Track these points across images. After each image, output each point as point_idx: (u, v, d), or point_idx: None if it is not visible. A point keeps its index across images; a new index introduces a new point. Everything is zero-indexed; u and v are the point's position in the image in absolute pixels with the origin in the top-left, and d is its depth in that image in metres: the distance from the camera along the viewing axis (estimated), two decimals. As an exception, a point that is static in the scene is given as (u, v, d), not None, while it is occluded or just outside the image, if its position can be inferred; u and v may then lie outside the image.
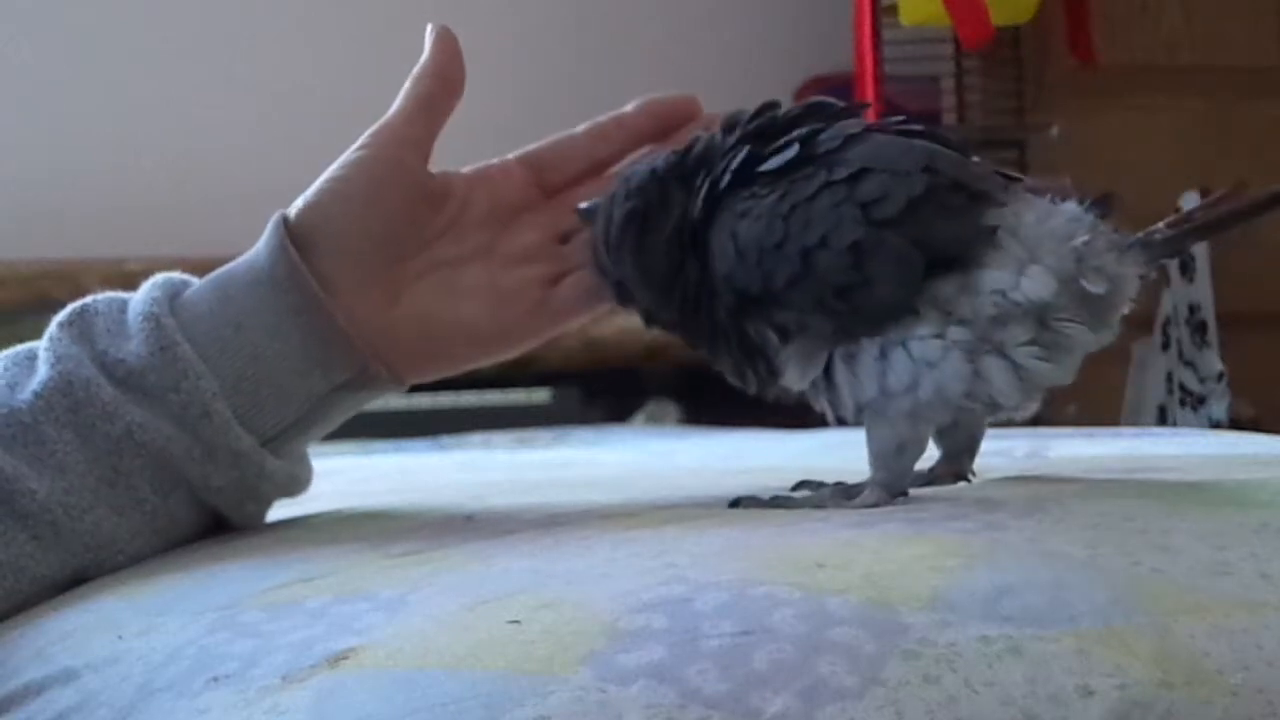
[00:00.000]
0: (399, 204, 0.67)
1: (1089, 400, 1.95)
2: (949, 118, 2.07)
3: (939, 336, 0.59)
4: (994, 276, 0.59)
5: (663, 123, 0.72)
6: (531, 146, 0.72)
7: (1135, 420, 1.96)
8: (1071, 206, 0.61)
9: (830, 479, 0.65)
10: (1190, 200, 1.96)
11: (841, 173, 0.60)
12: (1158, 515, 0.54)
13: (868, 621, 0.44)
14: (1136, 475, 0.67)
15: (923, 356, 0.59)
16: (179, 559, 0.61)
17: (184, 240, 2.03)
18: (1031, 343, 0.59)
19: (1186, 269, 1.90)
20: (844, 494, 0.62)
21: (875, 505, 0.59)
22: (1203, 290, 1.89)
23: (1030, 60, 2.09)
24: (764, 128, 0.63)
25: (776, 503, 0.62)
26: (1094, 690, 0.42)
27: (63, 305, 0.65)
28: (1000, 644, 0.44)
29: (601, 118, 0.72)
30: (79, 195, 2.14)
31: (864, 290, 0.59)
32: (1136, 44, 2.22)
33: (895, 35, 1.95)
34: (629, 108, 0.72)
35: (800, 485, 0.65)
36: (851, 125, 0.62)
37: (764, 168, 0.62)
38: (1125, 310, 0.61)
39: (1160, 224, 0.61)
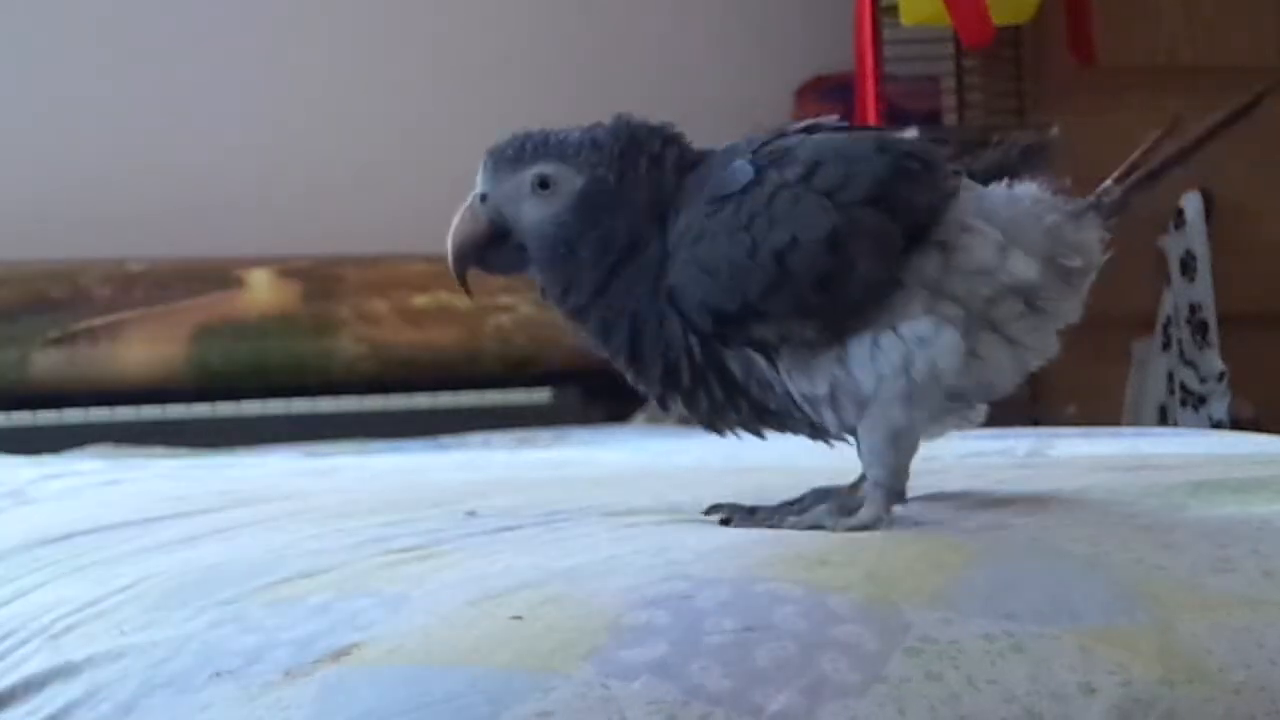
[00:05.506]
0: None
1: (1089, 400, 1.94)
2: (949, 118, 2.07)
3: (929, 313, 0.59)
4: (976, 257, 0.59)
5: None
6: None
7: (1135, 420, 1.96)
8: (1030, 187, 0.63)
9: (808, 484, 0.65)
10: (1191, 200, 1.96)
11: (794, 171, 0.59)
12: (1159, 513, 0.55)
13: (870, 619, 0.44)
14: (1137, 474, 0.67)
15: (914, 334, 0.58)
16: (181, 556, 0.61)
17: (184, 241, 2.03)
18: (1023, 318, 0.60)
19: (1187, 269, 1.90)
20: (842, 509, 0.60)
21: (876, 521, 0.58)
22: (1203, 290, 1.89)
23: (1030, 60, 2.08)
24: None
25: (768, 521, 0.61)
26: (1096, 688, 0.42)
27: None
28: (1003, 641, 0.44)
29: None
30: (79, 195, 2.13)
31: (845, 275, 0.58)
32: (1136, 44, 2.22)
33: (895, 35, 1.95)
34: None
35: (712, 509, 0.64)
36: (789, 139, 0.62)
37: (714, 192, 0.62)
38: (1094, 274, 0.63)
39: (1108, 182, 0.63)
